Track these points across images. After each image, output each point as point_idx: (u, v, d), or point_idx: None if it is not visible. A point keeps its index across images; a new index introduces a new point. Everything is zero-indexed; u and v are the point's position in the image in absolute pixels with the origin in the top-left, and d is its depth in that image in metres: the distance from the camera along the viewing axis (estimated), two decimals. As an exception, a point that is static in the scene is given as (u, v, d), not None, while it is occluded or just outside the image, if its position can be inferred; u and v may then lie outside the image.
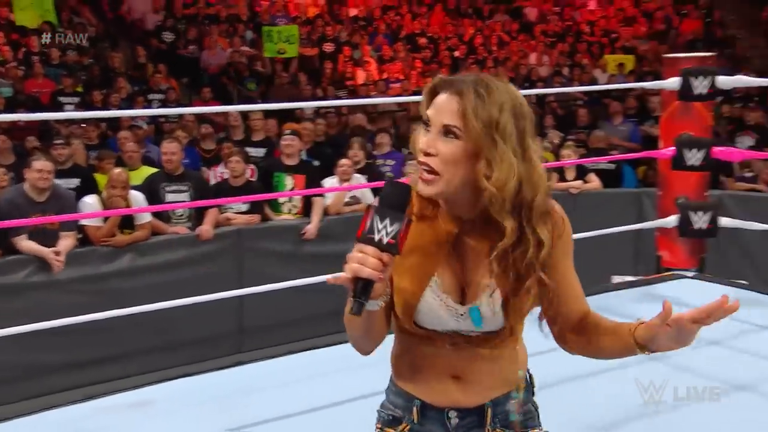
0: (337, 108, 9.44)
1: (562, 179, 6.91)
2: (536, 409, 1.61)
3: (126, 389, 3.20)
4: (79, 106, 8.99)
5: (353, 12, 13.97)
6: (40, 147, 6.92)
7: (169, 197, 5.49)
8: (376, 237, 1.31)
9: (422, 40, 13.57)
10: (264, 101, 10.31)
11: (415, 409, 1.55)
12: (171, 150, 5.54)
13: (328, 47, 12.35)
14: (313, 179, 5.97)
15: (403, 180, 1.40)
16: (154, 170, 5.97)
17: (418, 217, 1.48)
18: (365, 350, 1.54)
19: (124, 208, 4.96)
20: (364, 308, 1.33)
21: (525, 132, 1.40)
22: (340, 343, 4.17)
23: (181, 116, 8.39)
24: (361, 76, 11.99)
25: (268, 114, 7.98)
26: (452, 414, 1.54)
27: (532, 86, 11.86)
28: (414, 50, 13.31)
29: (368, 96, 10.80)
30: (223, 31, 12.02)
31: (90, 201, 5.10)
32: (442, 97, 1.41)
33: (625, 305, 4.28)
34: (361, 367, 3.60)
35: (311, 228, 5.69)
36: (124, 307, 4.32)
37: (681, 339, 1.38)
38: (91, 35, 11.11)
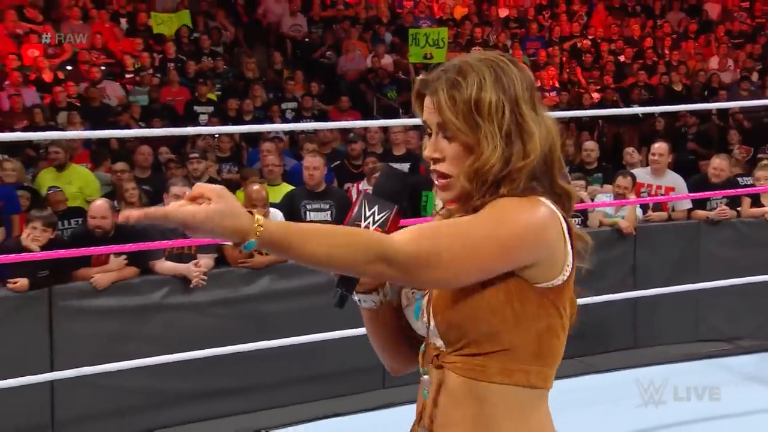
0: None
1: (757, 203, 6.49)
2: None
3: (273, 427, 3.23)
4: (214, 116, 9.41)
5: (504, 12, 13.86)
6: (176, 160, 7.29)
7: (310, 216, 5.57)
8: (363, 224, 1.37)
9: (582, 43, 13.24)
10: (405, 111, 10.37)
11: None
12: (314, 164, 5.63)
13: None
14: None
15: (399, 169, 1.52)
16: (293, 187, 6.09)
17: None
18: (387, 364, 1.65)
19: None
20: (345, 301, 1.40)
21: (518, 101, 1.42)
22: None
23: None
24: (512, 84, 11.81)
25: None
26: None
27: (712, 95, 11.29)
28: (572, 54, 13.02)
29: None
30: (362, 34, 12.23)
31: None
32: (427, 99, 1.47)
33: None
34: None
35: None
36: (263, 332, 4.46)
37: None
38: (226, 40, 11.63)
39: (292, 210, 5.56)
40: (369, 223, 1.37)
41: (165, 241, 4.65)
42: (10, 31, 10.05)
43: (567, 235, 1.44)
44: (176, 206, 1.25)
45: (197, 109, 9.56)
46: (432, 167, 1.47)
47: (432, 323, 1.46)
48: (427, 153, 1.47)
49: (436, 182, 1.47)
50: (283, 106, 10.16)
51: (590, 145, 7.98)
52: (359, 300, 1.55)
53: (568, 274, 1.44)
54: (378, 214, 1.38)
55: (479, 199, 1.43)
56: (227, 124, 8.83)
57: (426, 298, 1.49)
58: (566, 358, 5.39)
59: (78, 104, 9.11)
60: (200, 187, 1.28)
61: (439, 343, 1.47)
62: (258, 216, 1.28)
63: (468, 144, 1.42)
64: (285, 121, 9.64)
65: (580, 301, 4.12)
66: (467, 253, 1.35)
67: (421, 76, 1.49)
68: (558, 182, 1.48)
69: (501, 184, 1.42)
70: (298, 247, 1.28)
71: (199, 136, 8.13)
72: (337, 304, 1.38)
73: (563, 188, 1.48)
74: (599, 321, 5.87)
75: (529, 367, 1.44)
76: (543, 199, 1.43)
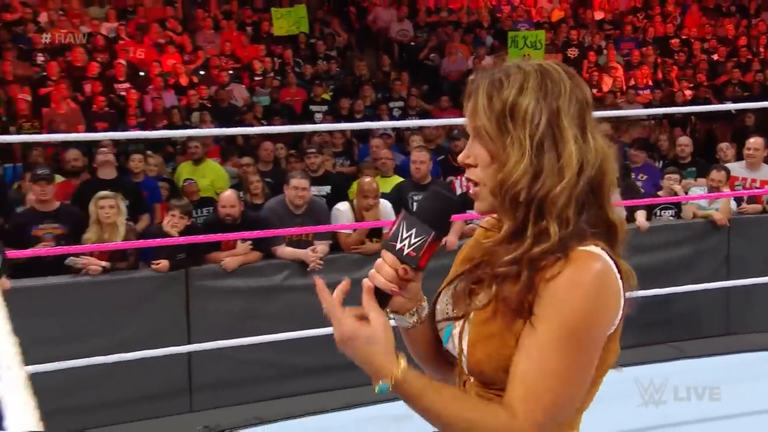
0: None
1: None
2: None
3: (386, 401, 3.26)
4: (328, 114, 9.58)
5: (599, 15, 13.48)
6: (295, 155, 7.46)
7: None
8: (398, 245, 1.23)
9: (675, 43, 12.73)
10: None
11: None
12: (420, 158, 5.66)
13: (572, 53, 12.02)
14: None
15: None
16: (402, 179, 6.13)
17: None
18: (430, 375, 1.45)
19: (373, 219, 5.13)
20: None
21: (558, 112, 1.21)
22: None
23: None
24: (607, 83, 11.51)
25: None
26: None
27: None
28: (665, 54, 12.54)
29: (614, 105, 10.32)
30: (464, 37, 12.16)
31: (342, 208, 5.35)
32: (470, 102, 1.28)
33: None
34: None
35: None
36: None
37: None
38: (339, 45, 11.80)
39: (399, 200, 5.61)
40: (404, 245, 1.22)
41: (285, 229, 4.79)
42: (154, 41, 10.52)
43: (620, 282, 1.22)
44: (341, 312, 1.24)
45: (313, 108, 9.76)
46: (466, 175, 1.31)
47: (464, 355, 1.30)
48: (460, 157, 1.30)
49: (470, 190, 1.32)
50: (391, 105, 10.24)
51: (684, 141, 7.75)
52: (392, 318, 1.33)
53: (615, 327, 1.24)
54: (414, 238, 1.21)
55: (539, 254, 1.19)
56: (340, 122, 8.97)
57: (458, 329, 1.31)
58: (657, 343, 5.27)
59: (209, 105, 9.45)
60: (372, 310, 1.23)
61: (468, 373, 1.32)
62: (402, 362, 1.20)
63: (495, 152, 1.23)
64: (392, 118, 9.70)
65: (675, 289, 4.02)
66: (575, 391, 1.21)
67: (471, 76, 1.31)
68: (609, 215, 1.24)
69: (544, 210, 1.20)
70: (428, 407, 1.20)
71: (315, 132, 8.31)
72: None
73: (613, 222, 1.25)
74: (692, 309, 5.68)
75: None
76: (594, 250, 1.20)
